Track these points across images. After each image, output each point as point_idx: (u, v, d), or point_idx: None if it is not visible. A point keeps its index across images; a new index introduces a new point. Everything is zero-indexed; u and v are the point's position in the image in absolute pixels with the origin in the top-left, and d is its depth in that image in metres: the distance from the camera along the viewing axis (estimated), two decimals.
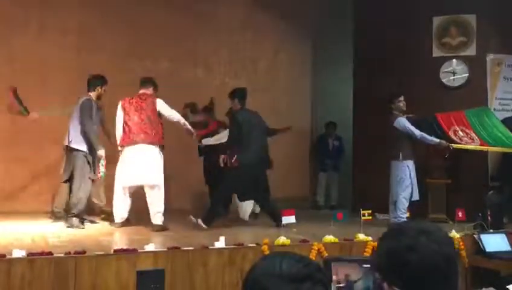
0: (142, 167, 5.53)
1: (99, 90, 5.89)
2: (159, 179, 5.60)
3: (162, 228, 5.54)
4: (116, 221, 5.73)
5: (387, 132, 6.24)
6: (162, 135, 5.69)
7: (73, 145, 5.69)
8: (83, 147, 5.67)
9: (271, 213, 5.98)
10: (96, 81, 5.90)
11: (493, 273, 4.87)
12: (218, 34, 8.42)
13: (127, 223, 5.79)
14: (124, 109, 5.64)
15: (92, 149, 5.68)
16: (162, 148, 5.72)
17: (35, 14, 7.30)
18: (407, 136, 6.07)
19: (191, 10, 8.21)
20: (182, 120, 5.94)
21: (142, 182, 5.59)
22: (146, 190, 5.62)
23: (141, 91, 5.77)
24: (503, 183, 6.76)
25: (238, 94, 6.12)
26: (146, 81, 5.82)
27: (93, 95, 5.86)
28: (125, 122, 5.61)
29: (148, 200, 5.61)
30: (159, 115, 5.72)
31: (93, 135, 5.67)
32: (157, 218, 5.59)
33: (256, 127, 6.02)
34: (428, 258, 1.30)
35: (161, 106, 5.72)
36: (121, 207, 5.70)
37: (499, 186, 6.68)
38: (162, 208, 5.62)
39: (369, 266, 2.89)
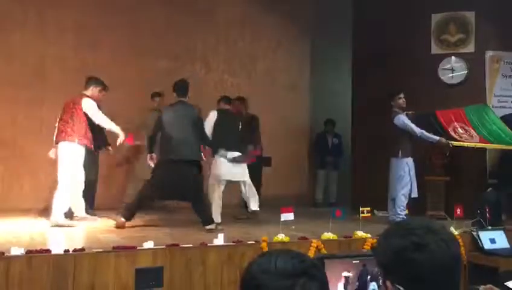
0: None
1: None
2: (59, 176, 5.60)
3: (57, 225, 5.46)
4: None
5: (386, 129, 6.24)
6: (83, 133, 5.63)
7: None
8: None
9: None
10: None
11: (491, 270, 4.88)
12: (217, 31, 8.42)
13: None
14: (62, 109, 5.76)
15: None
16: (84, 146, 5.68)
17: (33, 11, 7.29)
18: (407, 133, 6.07)
19: (190, 8, 8.20)
20: (108, 125, 5.75)
21: None
22: None
23: (82, 92, 5.84)
24: (502, 180, 6.77)
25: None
26: (86, 82, 5.89)
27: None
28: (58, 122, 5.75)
29: None
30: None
31: None
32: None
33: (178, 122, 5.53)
34: (438, 258, 1.30)
35: (86, 106, 5.69)
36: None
37: (497, 184, 6.69)
38: (56, 205, 5.53)
39: (358, 261, 2.90)
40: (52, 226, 5.44)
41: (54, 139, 5.70)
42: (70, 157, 5.61)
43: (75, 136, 5.63)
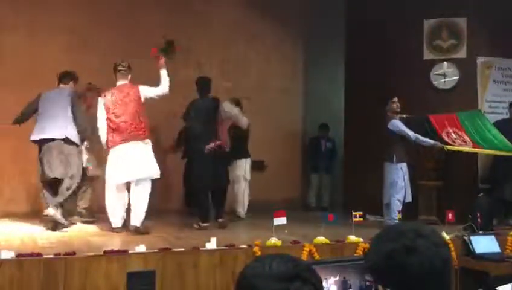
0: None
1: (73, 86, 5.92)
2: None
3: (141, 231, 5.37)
4: (114, 225, 5.50)
5: (379, 134, 6.26)
6: None
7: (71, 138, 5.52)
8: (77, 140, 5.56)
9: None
10: (74, 76, 5.87)
11: (482, 275, 4.90)
12: (210, 34, 8.41)
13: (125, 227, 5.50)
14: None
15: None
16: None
17: (25, 13, 7.26)
18: (401, 138, 6.09)
19: (183, 10, 8.20)
20: None
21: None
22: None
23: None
24: (493, 185, 6.81)
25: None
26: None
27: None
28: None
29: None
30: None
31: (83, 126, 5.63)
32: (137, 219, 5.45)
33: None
34: (427, 261, 1.30)
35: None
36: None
37: (489, 189, 6.73)
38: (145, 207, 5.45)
39: (349, 265, 2.89)
40: (142, 233, 5.25)
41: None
42: None
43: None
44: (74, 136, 5.51)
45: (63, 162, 5.42)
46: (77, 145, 5.57)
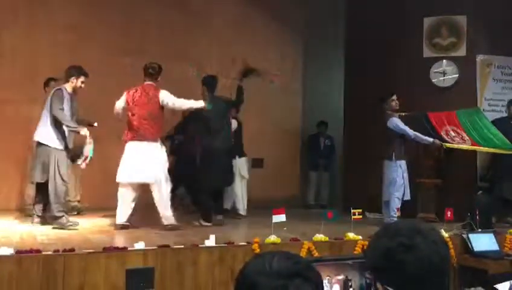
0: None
1: (74, 81, 5.55)
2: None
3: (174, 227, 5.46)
4: (117, 222, 5.50)
5: (378, 131, 6.27)
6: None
7: (43, 141, 5.39)
8: (55, 143, 5.36)
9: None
10: (72, 71, 5.59)
11: (481, 273, 4.92)
12: (210, 32, 8.41)
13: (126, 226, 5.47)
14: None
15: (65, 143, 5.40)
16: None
17: (25, 9, 7.24)
18: (400, 135, 6.09)
19: (183, 8, 8.19)
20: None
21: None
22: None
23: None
24: (492, 183, 6.81)
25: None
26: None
27: (67, 86, 5.56)
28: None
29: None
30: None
31: (68, 120, 5.33)
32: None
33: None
34: (426, 259, 1.30)
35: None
36: (121, 207, 5.52)
37: (488, 187, 6.74)
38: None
39: (349, 263, 2.90)
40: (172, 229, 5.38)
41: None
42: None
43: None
44: (47, 138, 5.36)
45: (41, 166, 5.38)
46: (53, 147, 5.36)
